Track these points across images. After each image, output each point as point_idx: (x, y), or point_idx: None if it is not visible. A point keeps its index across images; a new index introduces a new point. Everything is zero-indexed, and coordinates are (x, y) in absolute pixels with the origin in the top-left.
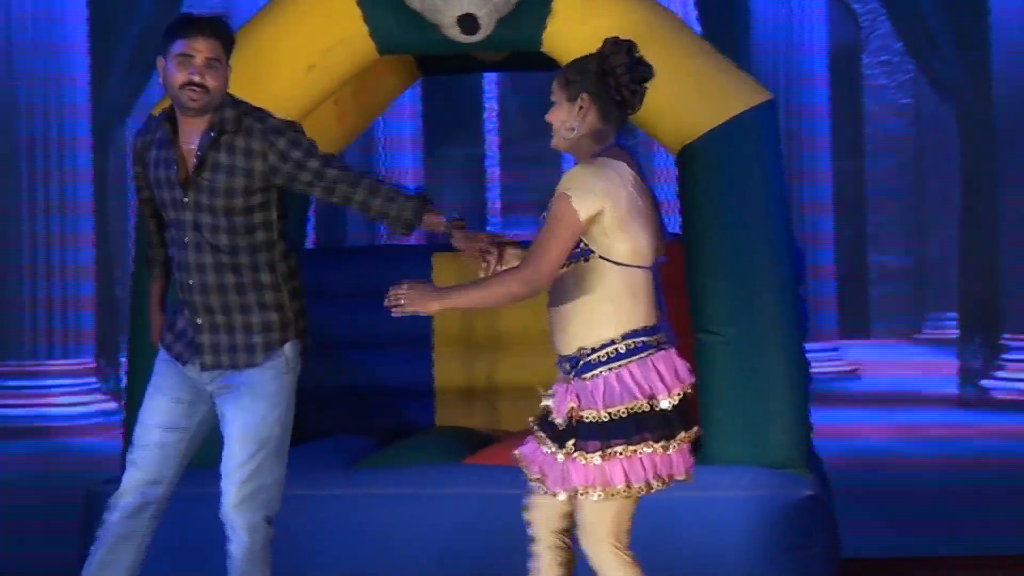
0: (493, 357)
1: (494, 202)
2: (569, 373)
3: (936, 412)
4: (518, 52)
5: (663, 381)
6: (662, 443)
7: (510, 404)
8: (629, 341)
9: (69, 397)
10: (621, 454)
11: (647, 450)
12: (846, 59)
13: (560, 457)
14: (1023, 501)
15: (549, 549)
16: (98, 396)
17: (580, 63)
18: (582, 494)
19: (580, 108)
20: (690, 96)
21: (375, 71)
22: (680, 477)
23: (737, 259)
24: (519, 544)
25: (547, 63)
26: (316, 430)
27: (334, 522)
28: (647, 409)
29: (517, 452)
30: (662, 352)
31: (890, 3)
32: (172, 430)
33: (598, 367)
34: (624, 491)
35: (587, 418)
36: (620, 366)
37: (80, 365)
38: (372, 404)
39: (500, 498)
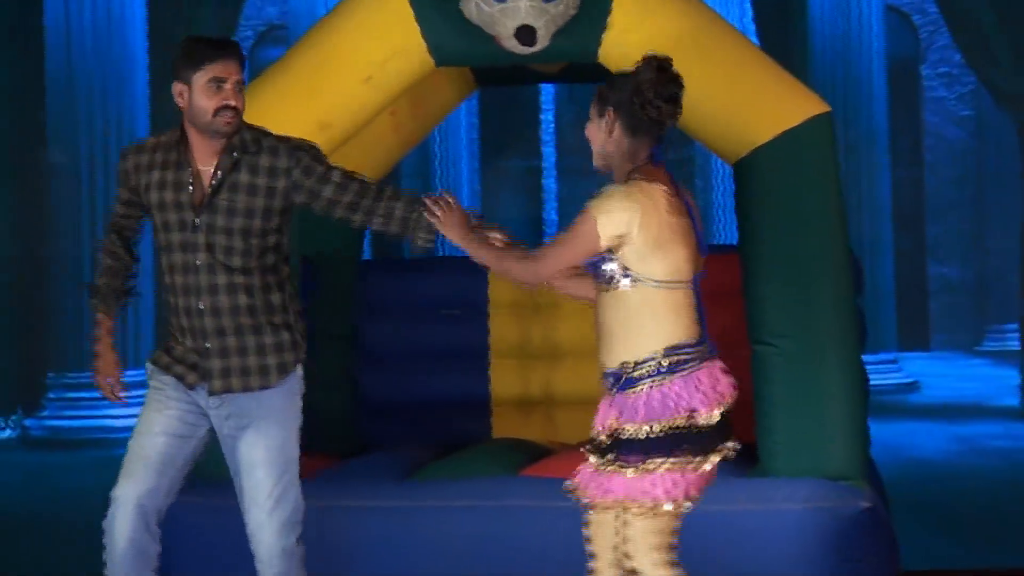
0: (549, 368)
1: (550, 213)
2: (612, 388)
3: (997, 424)
4: (575, 63)
5: (705, 396)
6: (699, 457)
7: (567, 415)
8: (672, 356)
9: (126, 408)
10: (661, 469)
11: (687, 465)
12: (905, 70)
13: (603, 470)
14: None
15: (608, 569)
16: None
17: (616, 78)
18: (625, 508)
19: (606, 123)
20: (747, 107)
21: (432, 82)
22: (693, 496)
23: (794, 270)
24: (576, 557)
25: (604, 74)
26: (372, 442)
27: (390, 534)
28: (688, 424)
29: (575, 480)
30: (705, 366)
31: (949, 15)
32: (177, 437)
33: (640, 382)
34: (666, 504)
35: (628, 433)
36: (663, 381)
37: (137, 376)
38: (428, 416)
39: (557, 510)
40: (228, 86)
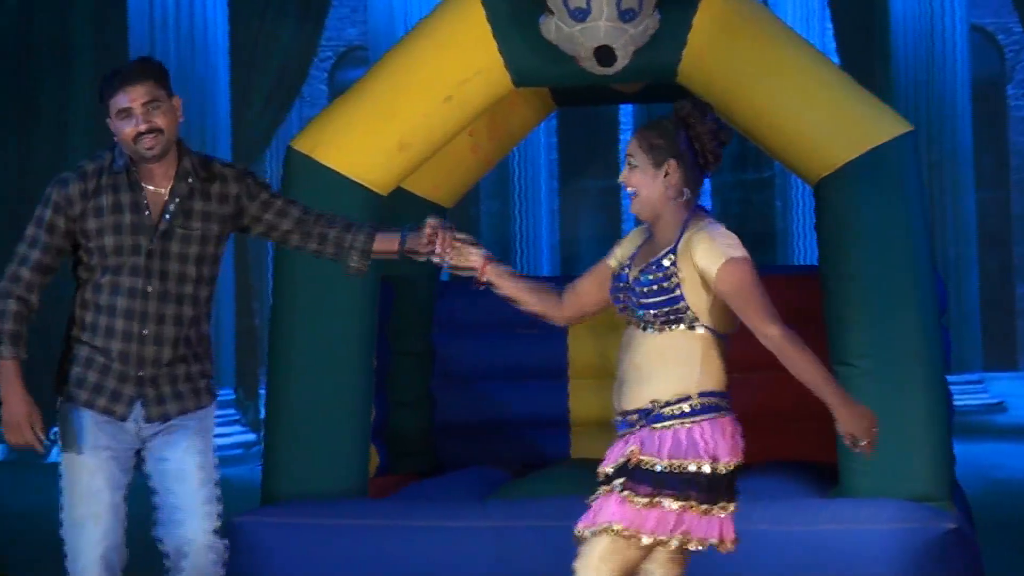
0: None
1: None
2: (634, 424)
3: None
4: (654, 83)
5: (727, 445)
6: (704, 506)
7: None
8: (704, 400)
9: None
10: (665, 505)
11: (688, 508)
12: (990, 90)
13: (600, 492)
14: None
15: None
16: (237, 428)
17: (662, 127)
18: (615, 531)
19: (666, 174)
20: (829, 127)
21: (510, 102)
22: (713, 542)
23: (877, 290)
24: None
25: (682, 94)
26: (450, 461)
27: (469, 553)
28: (707, 471)
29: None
30: (729, 417)
31: None
32: (118, 488)
33: (670, 420)
34: (648, 537)
35: (644, 464)
36: (692, 422)
37: (220, 397)
38: (507, 435)
39: None
40: (136, 111)
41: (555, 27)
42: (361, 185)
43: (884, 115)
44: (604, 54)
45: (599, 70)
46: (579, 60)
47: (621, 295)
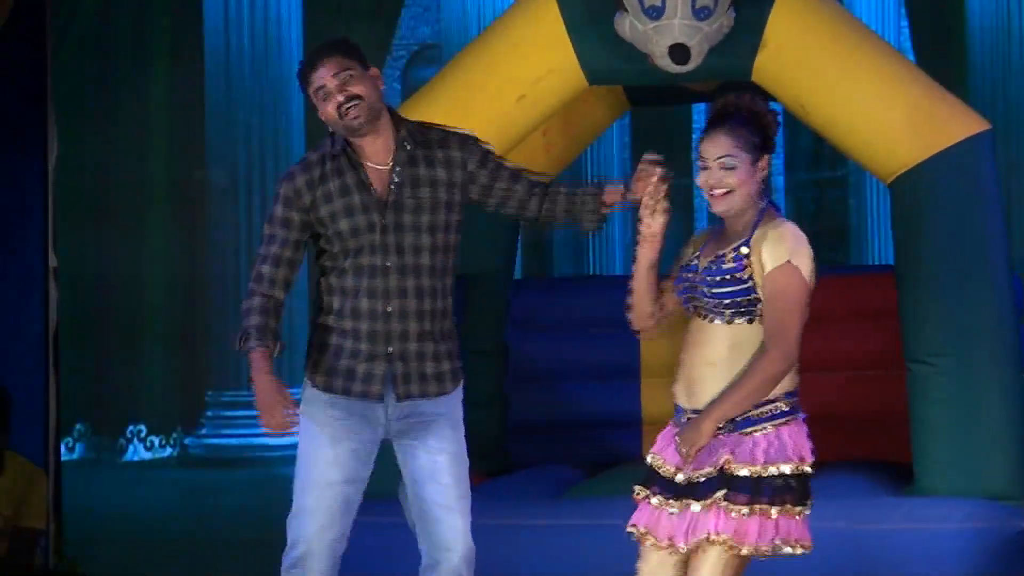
0: None
1: None
2: (721, 427)
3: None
4: (728, 82)
5: (809, 445)
6: (798, 508)
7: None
8: (789, 401)
9: None
10: (764, 512)
11: (784, 512)
12: None
13: (695, 507)
14: None
15: None
16: None
17: (752, 123)
18: (721, 545)
19: (763, 171)
20: (904, 125)
21: (584, 101)
22: (793, 543)
23: (953, 289)
24: None
25: (758, 93)
26: (524, 460)
27: (543, 551)
28: (797, 472)
29: (637, 526)
30: (804, 416)
31: None
32: (353, 482)
33: (760, 423)
34: (752, 549)
35: (741, 472)
36: (781, 424)
37: (293, 395)
38: (580, 434)
39: None
40: (330, 88)
41: (629, 25)
42: None
43: (960, 113)
44: (678, 52)
45: (673, 68)
46: (653, 58)
47: (687, 284)
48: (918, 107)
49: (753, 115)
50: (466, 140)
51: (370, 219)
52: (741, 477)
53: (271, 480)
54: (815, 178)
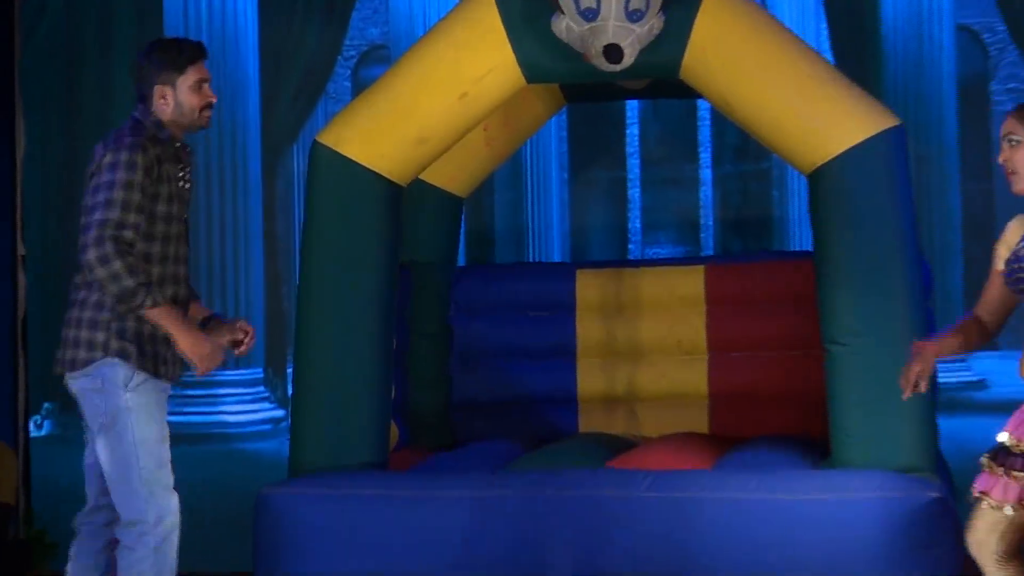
0: (633, 367)
1: (635, 222)
2: None
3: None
4: (658, 80)
5: None
6: None
7: (649, 411)
8: None
9: (240, 405)
10: None
11: None
12: (975, 87)
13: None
14: None
15: (995, 573)
16: (266, 404)
17: None
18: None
19: None
20: (822, 120)
21: (523, 98)
22: None
23: (867, 274)
24: (658, 542)
25: (687, 92)
26: (467, 436)
27: (484, 522)
28: None
29: (977, 489)
30: None
31: (1017, 33)
32: None
33: None
34: None
35: None
36: None
37: (251, 375)
38: (519, 411)
39: (643, 500)
40: (206, 86)
41: (566, 26)
42: (382, 176)
43: (874, 110)
44: (612, 52)
45: (607, 67)
46: (588, 58)
47: (1020, 274)
48: (835, 104)
49: None
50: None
51: (181, 210)
52: None
53: (230, 455)
54: (740, 171)
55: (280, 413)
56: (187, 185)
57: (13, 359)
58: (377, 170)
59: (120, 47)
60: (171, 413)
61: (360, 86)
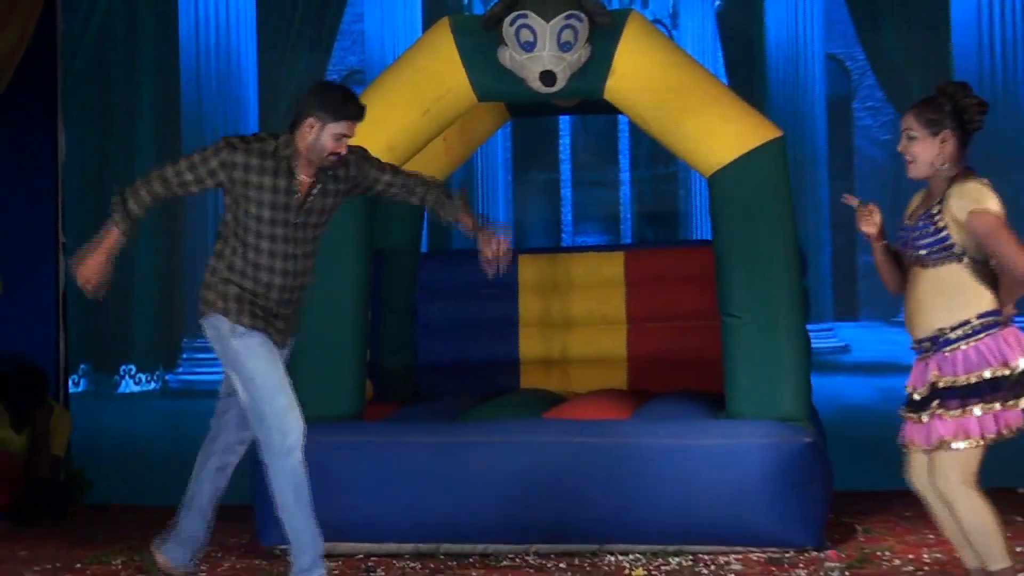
0: (565, 334)
1: (567, 216)
2: (928, 351)
3: (907, 378)
4: (586, 100)
5: (1013, 348)
6: (1011, 401)
7: (579, 371)
8: (983, 320)
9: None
10: (977, 411)
11: (998, 407)
12: (840, 104)
13: (925, 419)
14: None
15: (936, 502)
16: None
17: (935, 104)
18: (946, 445)
19: (943, 142)
20: (719, 133)
21: (475, 114)
22: (1010, 432)
23: (755, 260)
24: (585, 480)
25: (609, 109)
26: (430, 393)
27: (444, 461)
28: (1003, 373)
29: (904, 438)
30: (1010, 327)
31: (874, 61)
32: None
33: (958, 342)
34: (978, 440)
35: (948, 383)
36: (977, 339)
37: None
38: (471, 373)
39: (573, 445)
40: (347, 141)
41: (509, 56)
42: None
43: (761, 123)
44: (547, 77)
45: (543, 89)
46: (528, 82)
47: (902, 242)
48: (730, 119)
49: (947, 98)
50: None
51: (287, 217)
52: (947, 388)
53: None
54: (652, 174)
55: None
56: (302, 199)
57: (56, 328)
58: None
59: (143, 73)
60: (185, 373)
61: None
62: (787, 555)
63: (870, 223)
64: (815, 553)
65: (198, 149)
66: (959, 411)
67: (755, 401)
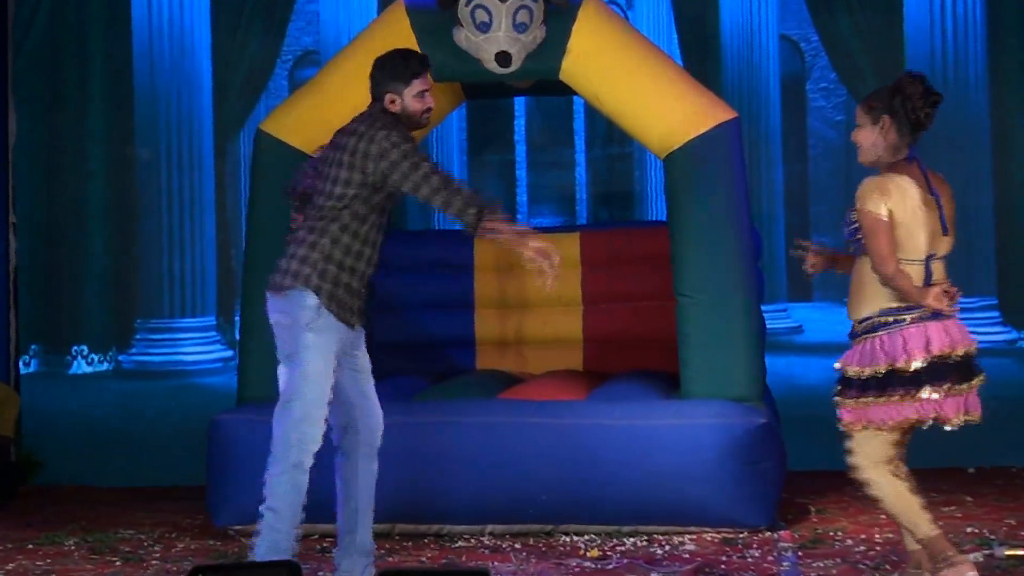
0: (521, 315)
1: (522, 196)
2: (849, 337)
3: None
4: (541, 80)
5: (906, 349)
6: (911, 395)
7: (534, 352)
8: (884, 316)
9: (196, 346)
10: (872, 403)
11: (898, 399)
12: (794, 86)
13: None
14: None
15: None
16: (218, 346)
17: (879, 93)
18: (846, 430)
19: (882, 128)
20: (674, 114)
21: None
22: (929, 419)
23: (710, 240)
24: (541, 461)
25: (564, 90)
26: (384, 372)
27: (399, 442)
28: (894, 370)
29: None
30: (915, 327)
31: (827, 42)
32: None
33: (862, 335)
34: (877, 428)
35: (849, 372)
36: (875, 336)
37: (205, 322)
38: (428, 352)
39: (528, 425)
40: (428, 94)
41: (465, 37)
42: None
43: (715, 104)
44: (502, 58)
45: (499, 70)
46: (483, 62)
47: (849, 231)
48: (684, 100)
49: (894, 89)
50: None
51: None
52: (848, 377)
53: (187, 388)
54: (608, 154)
55: (229, 353)
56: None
57: (6, 308)
58: (308, 152)
59: (94, 55)
60: (139, 354)
61: (295, 84)
62: (741, 535)
63: (812, 265)
64: (769, 533)
65: (402, 151)
66: (855, 401)
67: (709, 381)
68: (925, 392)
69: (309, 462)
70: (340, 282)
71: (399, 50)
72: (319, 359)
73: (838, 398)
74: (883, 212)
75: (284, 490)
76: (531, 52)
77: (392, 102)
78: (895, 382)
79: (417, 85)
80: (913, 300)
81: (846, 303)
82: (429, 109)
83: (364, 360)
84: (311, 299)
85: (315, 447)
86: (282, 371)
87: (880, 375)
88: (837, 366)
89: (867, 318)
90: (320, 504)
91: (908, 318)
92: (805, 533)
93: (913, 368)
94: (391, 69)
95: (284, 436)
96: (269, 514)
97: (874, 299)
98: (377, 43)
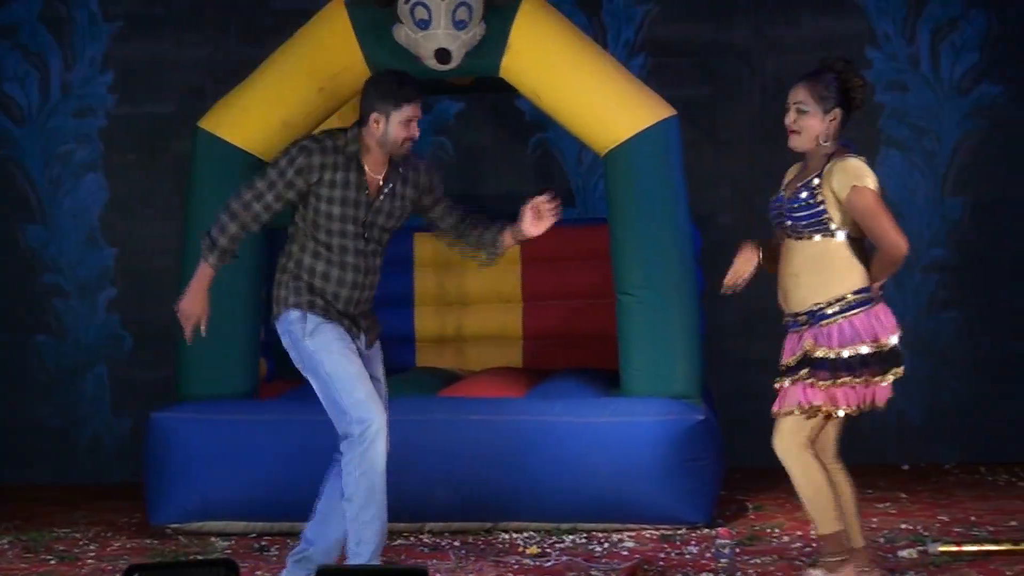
0: (461, 312)
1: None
2: (803, 324)
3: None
4: (482, 78)
5: (884, 326)
6: (877, 377)
7: (474, 349)
8: (857, 296)
9: None
10: (846, 383)
11: (868, 380)
12: None
13: (786, 384)
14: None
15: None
16: None
17: (826, 80)
18: (797, 412)
19: (833, 120)
20: (613, 111)
21: None
22: (880, 405)
23: (649, 238)
24: (481, 458)
25: (504, 87)
26: None
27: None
28: (873, 349)
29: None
30: (880, 305)
31: None
32: None
33: (833, 316)
34: (836, 411)
35: (821, 354)
36: (852, 314)
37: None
38: None
39: (467, 423)
40: (415, 124)
41: (405, 34)
42: (253, 155)
43: (655, 102)
44: (442, 54)
45: (438, 67)
46: (423, 59)
47: (777, 212)
48: (623, 97)
49: (837, 77)
50: (432, 170)
51: (356, 213)
52: (821, 359)
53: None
54: None
55: None
56: (372, 197)
57: None
58: (248, 150)
59: None
60: None
61: (239, 78)
62: (679, 532)
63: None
64: (706, 530)
65: (271, 164)
66: (829, 382)
67: (649, 379)
68: (897, 371)
69: (380, 445)
70: (315, 290)
71: (396, 72)
72: (329, 354)
73: (809, 380)
74: (879, 190)
75: (358, 482)
76: (471, 49)
77: (376, 122)
78: (871, 362)
79: (407, 111)
80: (883, 278)
81: (784, 292)
82: (411, 139)
83: (381, 381)
84: (294, 313)
85: (379, 420)
86: (315, 387)
87: (859, 355)
88: (815, 351)
89: (840, 298)
90: (255, 501)
91: (874, 297)
92: (743, 530)
93: (891, 345)
94: (384, 89)
95: (346, 431)
96: (351, 507)
97: (850, 278)
98: (317, 39)
